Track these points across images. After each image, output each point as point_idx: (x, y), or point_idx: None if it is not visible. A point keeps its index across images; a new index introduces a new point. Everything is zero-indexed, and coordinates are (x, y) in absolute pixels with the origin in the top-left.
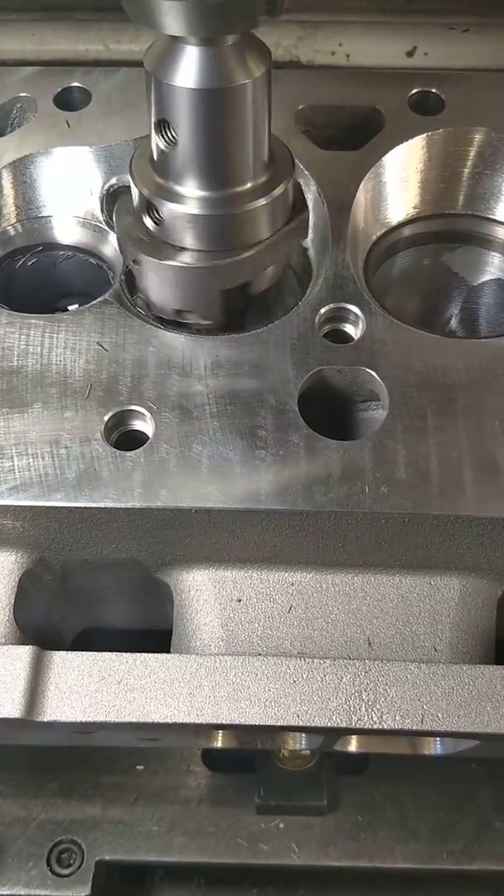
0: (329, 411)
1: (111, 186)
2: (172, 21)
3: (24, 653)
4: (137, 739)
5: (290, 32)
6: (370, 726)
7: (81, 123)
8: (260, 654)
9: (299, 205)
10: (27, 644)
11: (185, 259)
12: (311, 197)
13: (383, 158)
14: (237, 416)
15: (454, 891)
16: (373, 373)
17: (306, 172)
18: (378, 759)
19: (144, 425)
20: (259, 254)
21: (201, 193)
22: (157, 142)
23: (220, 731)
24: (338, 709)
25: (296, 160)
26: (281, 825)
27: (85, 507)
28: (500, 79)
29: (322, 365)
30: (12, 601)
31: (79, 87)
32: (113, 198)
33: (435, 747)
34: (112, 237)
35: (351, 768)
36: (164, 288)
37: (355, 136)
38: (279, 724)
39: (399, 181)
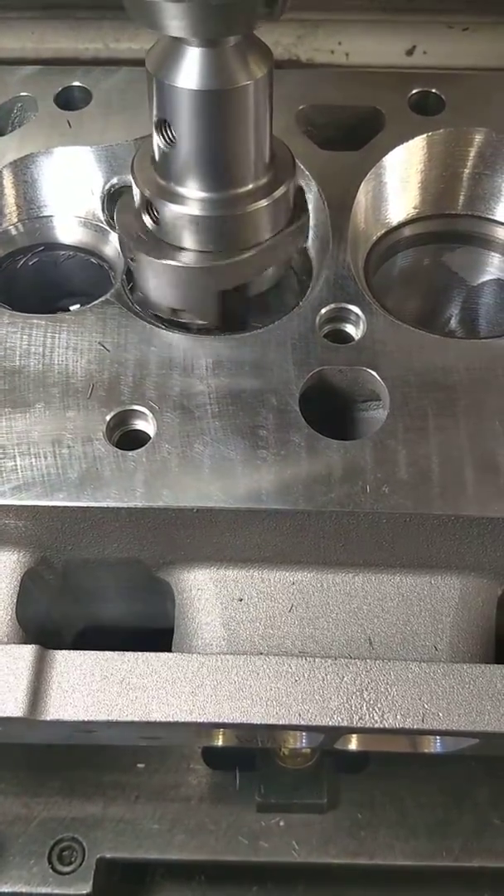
0: (330, 411)
1: (112, 186)
2: (173, 22)
3: (27, 652)
4: (138, 738)
5: (290, 31)
6: (371, 725)
7: (82, 123)
8: (261, 654)
9: (300, 207)
10: (29, 643)
11: (184, 259)
12: (311, 197)
13: (384, 159)
14: (238, 415)
15: (453, 888)
16: (374, 373)
17: (307, 173)
18: (377, 757)
19: (146, 425)
20: (258, 255)
21: (201, 194)
22: (157, 142)
23: (221, 730)
24: (339, 708)
25: (297, 161)
26: (281, 823)
27: (87, 507)
28: (500, 79)
29: (323, 365)
30: (14, 600)
31: (79, 86)
32: (114, 198)
33: (435, 746)
34: (113, 237)
35: (351, 766)
36: (162, 287)
37: (356, 135)
38: (281, 723)
39: (399, 181)
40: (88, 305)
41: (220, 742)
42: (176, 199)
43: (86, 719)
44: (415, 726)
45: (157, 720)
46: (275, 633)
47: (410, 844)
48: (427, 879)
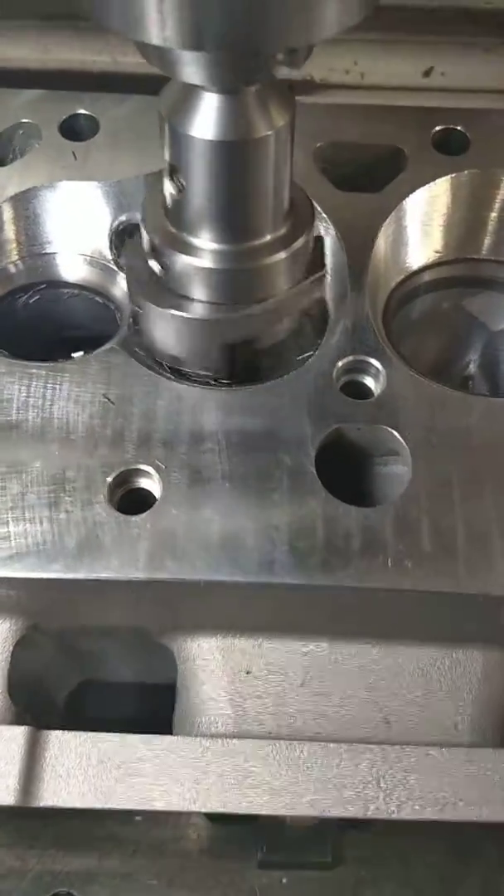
0: (345, 464)
1: (120, 224)
2: (189, 69)
3: (19, 734)
4: None
5: None
6: (387, 816)
7: (89, 155)
8: (271, 734)
9: (319, 256)
10: (19, 712)
11: (192, 309)
12: (329, 241)
13: (405, 201)
14: (251, 477)
15: None
16: (395, 432)
17: (324, 215)
18: None
19: (152, 484)
20: (272, 308)
21: (214, 246)
22: (168, 189)
23: None
24: (353, 798)
25: (315, 206)
26: (283, 880)
27: (85, 580)
28: None
29: (340, 422)
30: (6, 672)
31: (86, 114)
32: (122, 236)
33: None
34: (121, 277)
35: (356, 823)
36: (168, 337)
37: (376, 175)
38: (291, 813)
39: (421, 225)
40: (93, 353)
41: None
42: (186, 248)
43: (81, 807)
44: (433, 817)
45: (158, 809)
46: (285, 711)
47: None
48: None
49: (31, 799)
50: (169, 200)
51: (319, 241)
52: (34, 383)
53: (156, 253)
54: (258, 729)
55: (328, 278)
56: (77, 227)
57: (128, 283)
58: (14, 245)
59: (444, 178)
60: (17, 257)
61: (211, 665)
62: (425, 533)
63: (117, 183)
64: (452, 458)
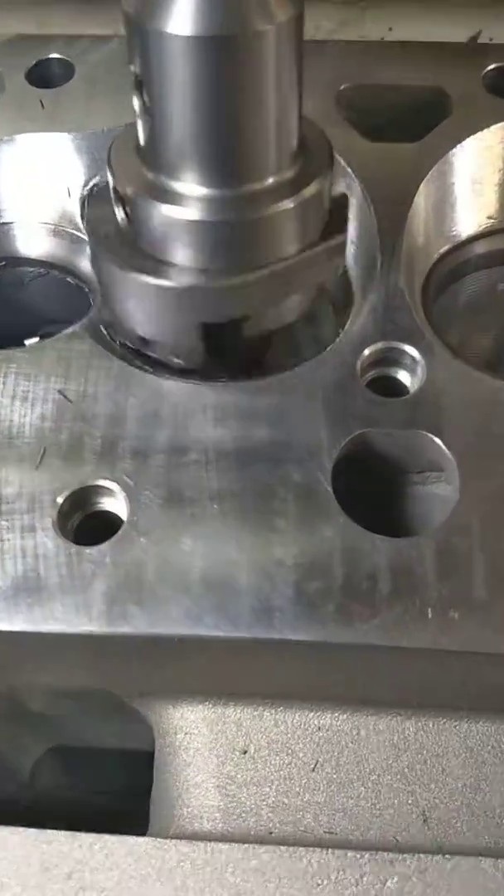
0: (372, 483)
1: (95, 186)
2: None
3: None
4: None
5: (333, 14)
6: None
7: (59, 103)
8: (271, 835)
9: (339, 216)
10: None
11: (171, 275)
12: (353, 201)
13: (450, 153)
14: (247, 497)
15: None
16: (436, 439)
17: (348, 169)
18: None
19: (116, 505)
20: (275, 277)
21: (198, 190)
22: (137, 109)
23: None
24: None
25: (335, 153)
26: None
27: (20, 633)
28: None
29: (365, 427)
30: None
31: (59, 59)
32: None
33: None
34: None
35: None
36: (137, 313)
37: (413, 123)
38: None
39: (470, 183)
40: (49, 339)
41: None
42: (162, 195)
43: None
44: None
45: None
46: (291, 803)
47: None
48: None
49: None
50: (142, 133)
51: (342, 199)
52: None
53: (124, 202)
54: (254, 827)
55: (352, 247)
56: (41, 189)
57: (89, 240)
58: None
59: (498, 125)
60: None
61: (196, 741)
62: (477, 573)
63: (91, 135)
64: None
